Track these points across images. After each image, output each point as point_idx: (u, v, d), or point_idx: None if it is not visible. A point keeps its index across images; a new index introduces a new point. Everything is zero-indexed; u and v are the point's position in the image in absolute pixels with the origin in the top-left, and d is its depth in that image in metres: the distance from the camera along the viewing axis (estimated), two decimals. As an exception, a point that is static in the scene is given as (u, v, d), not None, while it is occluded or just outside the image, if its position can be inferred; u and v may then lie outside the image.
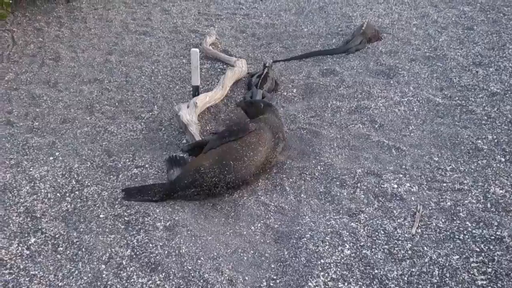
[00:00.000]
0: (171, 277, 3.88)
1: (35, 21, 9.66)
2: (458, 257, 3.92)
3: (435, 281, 3.73)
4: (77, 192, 4.98)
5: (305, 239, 4.21)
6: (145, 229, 4.40)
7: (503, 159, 5.04)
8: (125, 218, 4.57)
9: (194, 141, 5.50)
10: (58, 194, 4.94)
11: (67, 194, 4.95)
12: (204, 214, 4.66)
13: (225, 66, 7.80)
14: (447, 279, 3.73)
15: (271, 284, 3.86)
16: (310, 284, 3.75)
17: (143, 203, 4.76)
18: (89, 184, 5.11)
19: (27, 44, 8.68)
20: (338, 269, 3.89)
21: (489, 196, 4.54)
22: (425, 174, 4.94)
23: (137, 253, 4.14)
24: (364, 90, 6.66)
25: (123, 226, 4.47)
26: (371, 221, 4.38)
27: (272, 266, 4.02)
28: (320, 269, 3.89)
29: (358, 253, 4.04)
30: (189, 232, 4.34)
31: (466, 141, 5.40)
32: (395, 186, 4.78)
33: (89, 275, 3.95)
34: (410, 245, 4.07)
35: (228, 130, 5.19)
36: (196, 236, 4.30)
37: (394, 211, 4.47)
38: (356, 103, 6.39)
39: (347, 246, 4.11)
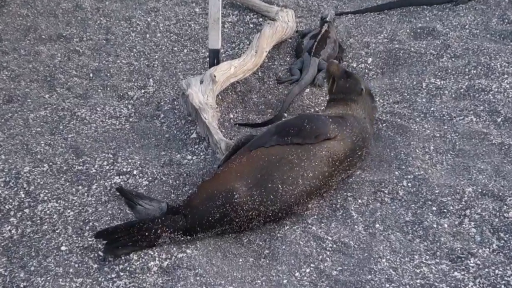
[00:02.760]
0: None
1: None
2: None
3: None
4: (26, 210, 5.06)
5: (381, 295, 4.21)
6: (130, 270, 4.42)
7: None
8: (100, 253, 4.61)
9: (228, 152, 5.35)
10: (-2, 213, 5.06)
11: (12, 213, 5.04)
12: (222, 250, 4.68)
13: (261, 19, 7.84)
14: None
15: None
16: None
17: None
18: (45, 198, 5.18)
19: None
20: None
21: None
22: None
23: (117, 307, 4.20)
24: (481, 62, 6.60)
25: (96, 265, 4.52)
26: (486, 270, 4.33)
27: (327, 335, 4.03)
28: None
29: (464, 320, 4.03)
30: (198, 278, 4.35)
31: None
32: (528, 216, 4.75)
33: (43, 338, 4.01)
34: (548, 310, 4.02)
35: (296, 124, 5.09)
36: (209, 285, 4.31)
37: (525, 256, 4.43)
38: (467, 83, 6.35)
39: (447, 308, 4.09)
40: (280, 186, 4.76)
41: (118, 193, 5.12)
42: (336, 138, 5.08)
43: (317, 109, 6.31)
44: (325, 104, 5.99)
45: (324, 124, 5.11)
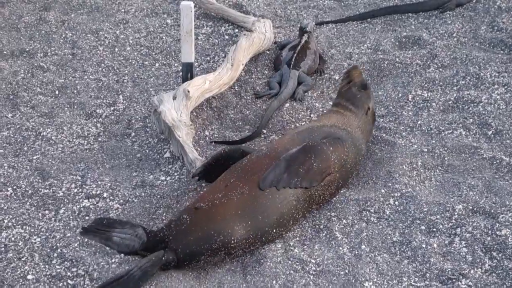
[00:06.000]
0: None
1: None
2: None
3: None
4: (-11, 237, 5.05)
5: (368, 320, 4.24)
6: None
7: None
8: (69, 282, 4.59)
9: (209, 157, 5.37)
10: (-41, 240, 5.03)
11: (-26, 241, 5.02)
12: (196, 269, 4.68)
13: (236, 30, 7.88)
14: None
15: None
16: None
17: (95, 255, 4.76)
18: (10, 224, 5.16)
19: None
20: None
21: None
22: None
23: None
24: (470, 72, 6.66)
25: (65, 295, 4.51)
26: (478, 291, 4.37)
27: None
28: None
29: None
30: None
31: None
32: (521, 233, 4.79)
33: None
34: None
35: (305, 162, 5.01)
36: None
37: (518, 276, 4.45)
38: (456, 94, 6.40)
39: (438, 333, 4.14)
40: (274, 229, 4.84)
41: (85, 234, 4.78)
42: (334, 170, 5.17)
43: (297, 124, 6.32)
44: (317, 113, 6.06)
45: (328, 159, 5.12)
